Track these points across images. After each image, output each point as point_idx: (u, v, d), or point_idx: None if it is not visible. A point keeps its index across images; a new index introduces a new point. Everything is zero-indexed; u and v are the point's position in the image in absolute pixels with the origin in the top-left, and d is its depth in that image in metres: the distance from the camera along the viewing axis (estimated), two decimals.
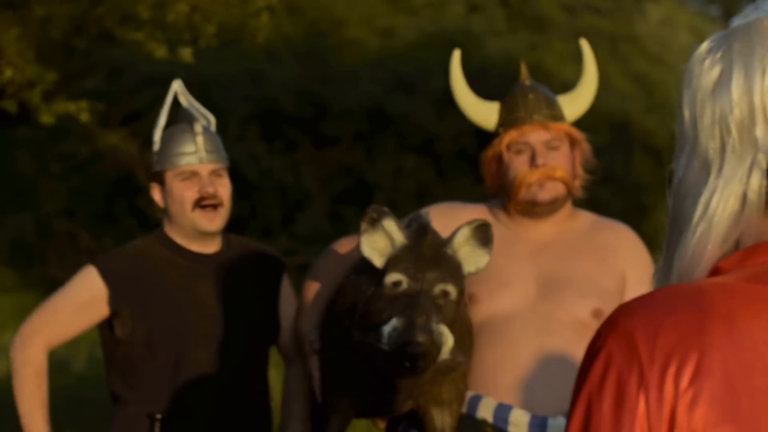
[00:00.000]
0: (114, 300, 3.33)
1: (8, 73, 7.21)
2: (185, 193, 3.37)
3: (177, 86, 3.48)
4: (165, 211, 3.44)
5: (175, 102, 3.50)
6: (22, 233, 12.73)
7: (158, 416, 3.25)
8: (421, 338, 2.80)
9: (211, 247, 3.44)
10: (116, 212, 12.34)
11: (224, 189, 3.41)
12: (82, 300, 3.33)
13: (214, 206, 3.37)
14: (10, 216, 12.94)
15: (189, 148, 3.38)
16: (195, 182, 3.38)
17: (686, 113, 1.34)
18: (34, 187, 13.01)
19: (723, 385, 1.19)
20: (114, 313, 3.34)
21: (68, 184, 12.65)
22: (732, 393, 1.19)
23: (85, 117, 7.44)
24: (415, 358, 2.80)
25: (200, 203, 3.36)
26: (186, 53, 7.23)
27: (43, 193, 12.84)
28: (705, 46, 1.34)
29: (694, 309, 1.22)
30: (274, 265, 3.54)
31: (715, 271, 1.28)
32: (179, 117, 3.49)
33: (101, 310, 3.34)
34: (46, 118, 7.28)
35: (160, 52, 7.26)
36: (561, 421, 3.18)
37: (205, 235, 3.40)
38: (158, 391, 3.31)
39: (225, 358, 3.35)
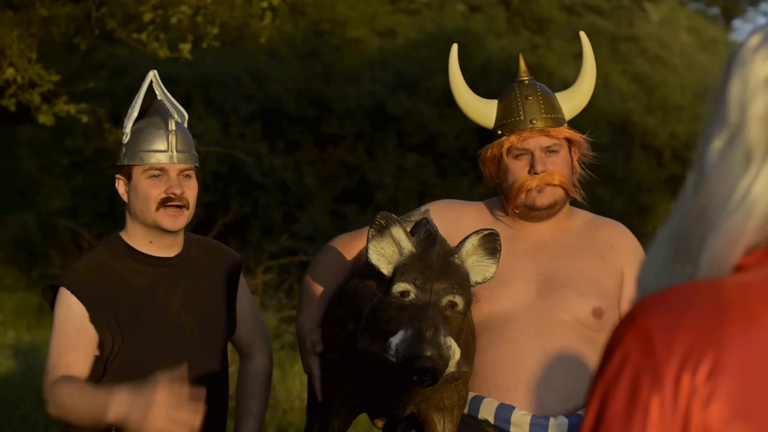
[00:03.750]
0: (93, 318, 3.24)
1: (10, 72, 7.23)
2: (151, 191, 3.27)
3: (153, 76, 3.39)
4: (127, 206, 3.34)
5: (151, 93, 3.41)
6: (25, 232, 12.76)
7: (114, 429, 3.11)
8: (429, 352, 2.77)
9: (172, 249, 3.36)
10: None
11: (191, 191, 3.31)
12: (74, 330, 3.24)
13: (179, 206, 3.28)
14: (13, 214, 12.97)
15: (160, 145, 3.29)
16: (163, 181, 3.28)
17: (733, 101, 1.32)
18: (36, 186, 13.04)
19: (739, 382, 1.19)
20: (96, 329, 3.25)
21: (71, 183, 12.68)
22: (748, 390, 1.19)
23: (85, 119, 7.46)
24: (423, 373, 2.78)
25: (165, 203, 3.27)
26: (185, 48, 7.24)
27: (46, 191, 12.87)
28: (758, 37, 1.34)
29: (712, 306, 1.22)
30: (232, 264, 3.47)
31: (737, 268, 1.27)
32: (152, 110, 3.40)
33: (92, 331, 3.24)
34: (45, 119, 7.30)
35: (163, 52, 7.28)
36: (562, 420, 3.17)
37: (166, 234, 3.31)
38: None
39: (190, 363, 3.23)
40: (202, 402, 3.23)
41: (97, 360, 3.27)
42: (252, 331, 3.50)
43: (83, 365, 3.24)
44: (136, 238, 3.34)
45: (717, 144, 1.31)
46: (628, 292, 3.33)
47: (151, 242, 3.34)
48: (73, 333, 3.24)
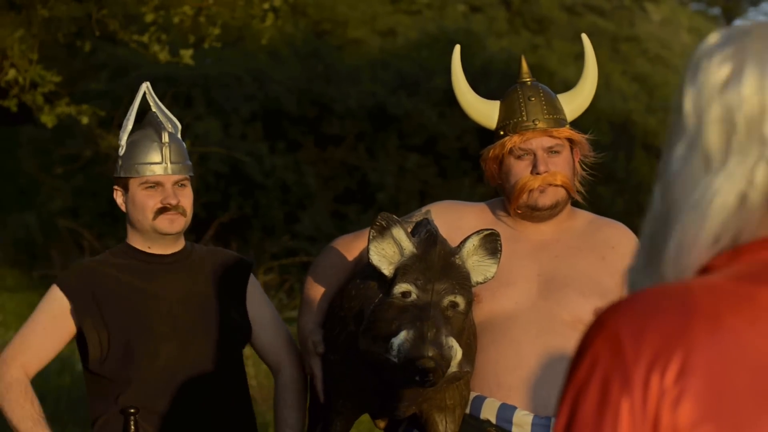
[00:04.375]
0: (76, 312, 3.36)
1: (11, 73, 7.23)
2: (148, 201, 3.39)
3: (146, 88, 3.48)
4: (126, 216, 3.46)
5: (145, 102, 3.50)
6: (26, 232, 12.77)
7: (132, 410, 3.26)
8: (431, 352, 2.78)
9: (171, 249, 3.47)
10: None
11: (187, 199, 3.42)
12: (49, 320, 3.38)
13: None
14: (14, 215, 12.97)
15: (155, 158, 3.39)
16: (158, 192, 3.39)
17: (689, 107, 1.33)
18: (37, 186, 13.05)
19: (707, 384, 1.19)
20: (79, 326, 3.37)
21: (72, 184, 12.69)
22: (715, 391, 1.19)
23: (86, 120, 7.46)
24: (425, 373, 2.79)
25: (162, 213, 3.38)
26: (186, 54, 7.24)
27: (47, 192, 12.88)
28: (711, 42, 1.34)
29: (680, 308, 1.22)
30: (238, 265, 3.53)
31: (705, 270, 1.28)
32: (146, 121, 3.49)
33: (68, 325, 3.38)
34: (47, 120, 7.30)
35: (164, 54, 7.28)
36: None
37: (165, 237, 3.42)
38: (126, 389, 3.32)
39: (187, 354, 3.35)
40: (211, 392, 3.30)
41: (93, 362, 3.35)
42: (275, 341, 3.52)
43: (37, 365, 3.39)
44: (136, 244, 3.46)
45: (678, 151, 1.32)
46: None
47: (149, 248, 3.45)
48: (45, 327, 3.38)
